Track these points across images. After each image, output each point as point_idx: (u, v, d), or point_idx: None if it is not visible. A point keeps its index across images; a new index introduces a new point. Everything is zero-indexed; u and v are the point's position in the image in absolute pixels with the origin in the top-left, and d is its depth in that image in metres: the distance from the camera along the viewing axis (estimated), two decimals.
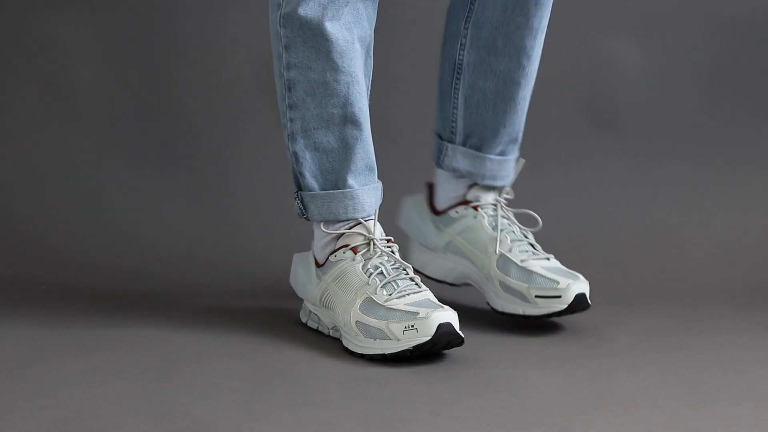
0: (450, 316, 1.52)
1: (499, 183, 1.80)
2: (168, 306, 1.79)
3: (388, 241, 1.65)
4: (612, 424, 1.30)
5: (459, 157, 1.80)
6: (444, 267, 1.81)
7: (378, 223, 1.64)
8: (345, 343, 1.58)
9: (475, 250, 1.76)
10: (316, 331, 1.66)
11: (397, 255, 1.62)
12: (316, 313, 1.66)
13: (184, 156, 2.23)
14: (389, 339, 1.52)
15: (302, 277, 1.68)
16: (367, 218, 1.64)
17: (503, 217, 1.78)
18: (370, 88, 1.69)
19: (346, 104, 1.61)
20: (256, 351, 1.57)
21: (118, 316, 1.72)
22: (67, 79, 2.26)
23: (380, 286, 1.57)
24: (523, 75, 1.76)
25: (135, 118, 2.26)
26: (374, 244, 1.62)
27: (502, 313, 1.71)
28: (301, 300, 1.72)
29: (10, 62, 2.26)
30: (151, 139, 2.25)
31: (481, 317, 1.78)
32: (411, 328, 1.51)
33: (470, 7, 1.77)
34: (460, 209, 1.80)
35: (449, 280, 1.81)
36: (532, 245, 1.75)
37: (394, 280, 1.58)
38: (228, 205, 2.20)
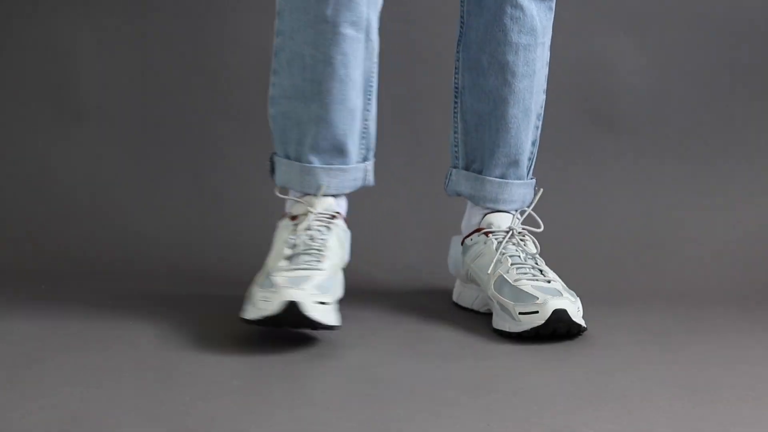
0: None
1: (502, 206, 1.82)
2: (168, 305, 1.79)
3: (332, 216, 1.70)
4: (612, 424, 1.30)
5: (461, 181, 1.84)
6: (471, 296, 1.83)
7: (330, 197, 1.70)
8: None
9: (481, 274, 1.77)
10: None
11: (323, 233, 1.66)
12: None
13: (184, 156, 2.23)
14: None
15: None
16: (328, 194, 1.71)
17: (512, 243, 1.77)
18: (372, 71, 1.72)
19: (313, 81, 1.66)
20: (256, 351, 1.57)
21: (118, 316, 1.72)
22: (67, 79, 2.26)
23: (283, 258, 1.62)
24: (510, 92, 1.78)
25: (135, 118, 2.26)
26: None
27: (496, 331, 1.70)
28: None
29: (10, 62, 2.26)
30: (151, 139, 2.25)
31: (481, 318, 1.78)
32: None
33: (461, 31, 1.83)
34: (474, 237, 1.82)
35: (476, 308, 1.82)
36: (540, 270, 1.73)
37: (298, 255, 1.62)
38: (228, 205, 2.20)
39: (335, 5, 1.63)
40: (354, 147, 1.72)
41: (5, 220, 2.16)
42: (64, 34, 2.27)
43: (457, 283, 1.88)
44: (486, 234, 1.80)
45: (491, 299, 1.72)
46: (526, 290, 1.67)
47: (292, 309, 1.52)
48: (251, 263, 2.05)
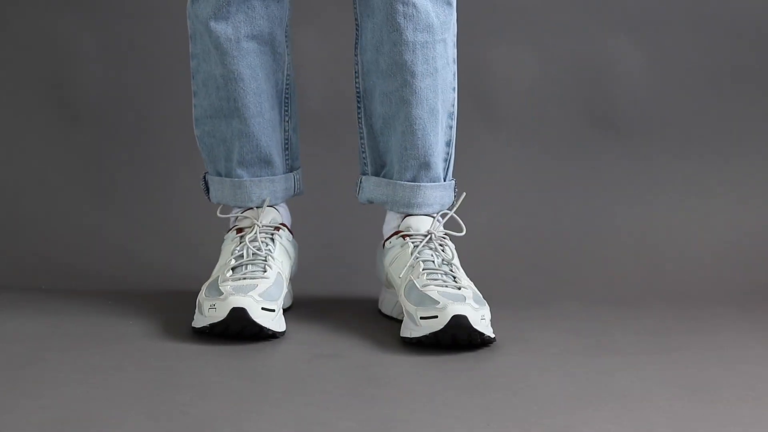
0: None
1: (416, 210, 1.73)
2: (168, 306, 1.79)
3: (277, 228, 1.74)
4: (612, 424, 1.30)
5: (372, 187, 1.78)
6: (391, 302, 1.77)
7: (274, 210, 1.76)
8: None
9: (396, 278, 1.70)
10: None
11: (268, 245, 1.71)
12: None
13: (183, 156, 2.23)
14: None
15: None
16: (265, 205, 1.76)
17: (429, 247, 1.70)
18: (285, 82, 1.78)
19: (229, 99, 1.74)
20: (256, 351, 1.57)
21: (118, 316, 1.73)
22: (67, 79, 2.26)
23: (230, 268, 1.67)
24: (411, 93, 1.71)
25: (135, 119, 2.26)
26: (258, 228, 1.72)
27: (402, 339, 1.62)
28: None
29: (10, 62, 2.26)
30: (150, 139, 2.25)
31: None
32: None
33: (356, 33, 1.77)
34: (393, 239, 1.74)
35: (395, 315, 1.75)
36: (454, 277, 1.67)
37: (243, 265, 1.67)
38: None
39: (234, 23, 1.71)
40: (279, 158, 1.77)
41: (5, 220, 2.16)
42: (64, 34, 2.27)
43: (382, 288, 1.82)
44: (403, 237, 1.73)
45: (402, 305, 1.66)
46: (431, 295, 1.60)
47: (238, 315, 1.56)
48: None
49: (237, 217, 1.77)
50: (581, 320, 1.78)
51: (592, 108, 2.29)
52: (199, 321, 1.61)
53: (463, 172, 2.24)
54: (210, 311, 1.58)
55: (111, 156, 2.24)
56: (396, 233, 1.74)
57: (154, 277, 2.00)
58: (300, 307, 1.81)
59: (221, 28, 1.71)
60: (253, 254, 1.69)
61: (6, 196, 2.20)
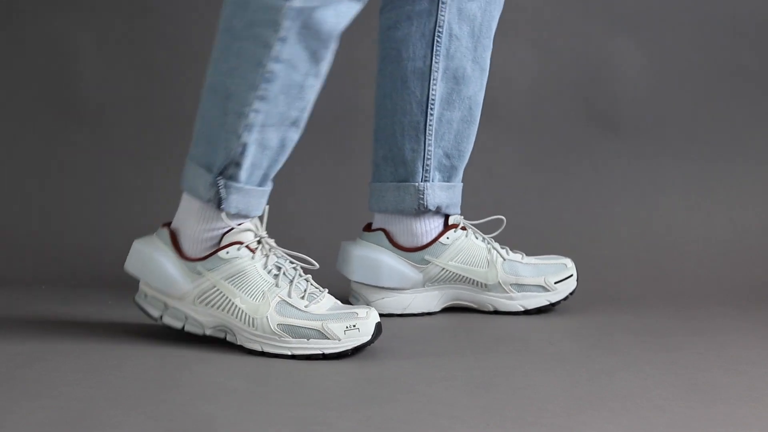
0: (377, 313, 1.57)
1: (458, 210, 1.85)
2: None
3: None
4: (612, 424, 1.30)
5: (438, 193, 1.82)
6: (429, 297, 1.82)
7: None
8: (253, 345, 1.55)
9: (473, 267, 1.80)
10: (181, 330, 1.59)
11: (281, 255, 1.61)
12: (183, 309, 1.60)
13: (183, 156, 2.23)
14: (328, 339, 1.53)
15: (168, 269, 1.62)
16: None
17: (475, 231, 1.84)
18: None
19: (304, 109, 1.57)
20: (255, 351, 1.56)
21: (118, 316, 1.72)
22: (67, 79, 2.26)
23: (288, 286, 1.57)
24: (483, 95, 1.83)
25: (135, 118, 2.26)
26: (265, 242, 1.60)
27: (529, 311, 1.80)
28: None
29: (10, 62, 2.27)
30: (151, 139, 2.25)
31: (480, 318, 1.78)
32: (353, 327, 1.54)
33: (437, 41, 1.78)
34: (451, 234, 1.81)
35: (433, 310, 1.82)
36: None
37: (298, 282, 1.58)
38: None
39: (337, 17, 1.53)
40: None
41: (5, 220, 2.16)
42: (64, 34, 2.27)
43: (387, 296, 1.81)
44: (463, 229, 1.82)
45: (499, 286, 1.80)
46: (542, 263, 1.83)
47: (380, 327, 1.56)
48: None
49: (230, 230, 1.60)
50: (581, 320, 1.78)
51: (592, 107, 2.29)
52: (330, 346, 1.54)
53: (463, 172, 2.24)
54: (350, 332, 1.54)
55: (111, 156, 2.24)
56: (451, 227, 1.82)
57: None
58: None
59: (333, 27, 1.53)
60: (292, 270, 1.60)
61: (6, 196, 2.20)
